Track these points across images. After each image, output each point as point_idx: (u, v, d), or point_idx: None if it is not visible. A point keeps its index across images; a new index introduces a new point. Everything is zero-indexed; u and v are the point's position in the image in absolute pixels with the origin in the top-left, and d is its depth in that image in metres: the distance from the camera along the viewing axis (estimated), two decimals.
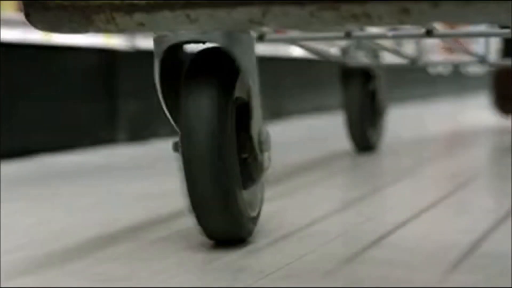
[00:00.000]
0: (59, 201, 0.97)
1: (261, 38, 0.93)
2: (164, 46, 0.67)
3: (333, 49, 1.49)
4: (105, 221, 0.84)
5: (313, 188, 1.06)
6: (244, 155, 0.70)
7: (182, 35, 0.66)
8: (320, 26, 0.52)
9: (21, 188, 1.07)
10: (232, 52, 0.66)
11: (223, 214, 0.67)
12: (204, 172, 0.65)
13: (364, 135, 1.49)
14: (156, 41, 0.68)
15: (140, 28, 0.60)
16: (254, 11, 0.53)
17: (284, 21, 0.53)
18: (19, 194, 1.03)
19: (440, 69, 3.79)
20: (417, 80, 3.55)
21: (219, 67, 0.67)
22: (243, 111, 0.71)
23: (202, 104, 0.66)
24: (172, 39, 0.67)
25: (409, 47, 2.44)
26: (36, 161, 1.38)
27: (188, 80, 0.67)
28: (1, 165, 1.32)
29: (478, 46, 1.82)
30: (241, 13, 0.54)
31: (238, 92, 0.70)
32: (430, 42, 3.03)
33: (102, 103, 1.62)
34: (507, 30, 0.83)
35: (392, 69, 2.94)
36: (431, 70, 3.71)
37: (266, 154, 0.73)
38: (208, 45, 0.69)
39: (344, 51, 1.44)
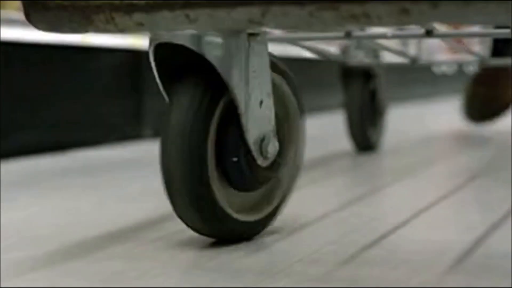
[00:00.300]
0: (96, 192, 1.01)
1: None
2: (157, 44, 0.68)
3: (333, 49, 1.49)
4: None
5: (313, 188, 1.06)
6: (234, 158, 0.70)
7: (174, 38, 0.67)
8: (319, 26, 0.52)
9: (63, 180, 1.13)
10: (216, 62, 0.67)
11: (197, 213, 0.68)
12: (178, 172, 0.67)
13: (365, 135, 1.49)
14: (151, 40, 0.68)
15: (140, 28, 0.60)
16: (254, 11, 0.53)
17: (283, 21, 0.53)
18: (56, 185, 1.08)
19: (444, 69, 3.78)
20: (419, 79, 3.55)
21: (208, 69, 0.68)
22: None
23: (182, 105, 0.67)
24: (167, 37, 0.67)
25: (412, 47, 2.43)
26: (69, 155, 1.46)
27: (176, 80, 0.68)
28: (37, 159, 1.39)
29: (483, 46, 1.80)
30: (240, 13, 0.54)
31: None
32: (435, 41, 3.03)
33: (129, 100, 1.70)
34: (507, 30, 0.83)
35: (394, 68, 2.94)
36: (436, 69, 3.71)
37: (271, 160, 0.73)
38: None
39: (344, 50, 1.44)
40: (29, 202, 0.96)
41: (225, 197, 0.70)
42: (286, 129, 0.77)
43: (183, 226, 0.71)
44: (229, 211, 0.70)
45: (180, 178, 0.67)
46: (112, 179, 1.15)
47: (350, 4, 0.49)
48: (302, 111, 0.79)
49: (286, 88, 0.77)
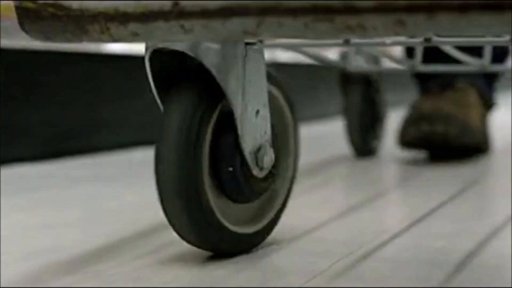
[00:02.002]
0: None
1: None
2: (152, 49, 0.67)
3: (332, 55, 1.49)
4: None
5: (311, 195, 1.06)
6: (229, 168, 0.69)
7: (172, 44, 0.66)
8: (315, 37, 0.51)
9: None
10: (213, 69, 0.66)
11: (190, 224, 0.67)
12: (171, 181, 0.66)
13: (364, 140, 1.49)
14: (146, 46, 0.68)
15: (135, 38, 0.60)
16: (249, 22, 0.53)
17: (278, 32, 0.52)
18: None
19: None
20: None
21: (203, 79, 0.67)
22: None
23: (176, 114, 0.66)
24: (164, 44, 0.67)
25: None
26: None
27: (171, 88, 0.68)
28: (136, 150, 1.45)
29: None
30: (235, 24, 0.53)
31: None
32: None
33: None
34: (506, 38, 0.82)
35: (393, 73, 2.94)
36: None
37: (266, 171, 0.72)
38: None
39: (344, 56, 1.43)
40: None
41: (222, 208, 0.70)
42: (282, 140, 0.77)
43: (176, 238, 0.70)
44: (226, 223, 0.69)
45: (174, 187, 0.66)
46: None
47: (345, 15, 0.48)
48: (296, 122, 0.79)
49: (281, 99, 0.77)
